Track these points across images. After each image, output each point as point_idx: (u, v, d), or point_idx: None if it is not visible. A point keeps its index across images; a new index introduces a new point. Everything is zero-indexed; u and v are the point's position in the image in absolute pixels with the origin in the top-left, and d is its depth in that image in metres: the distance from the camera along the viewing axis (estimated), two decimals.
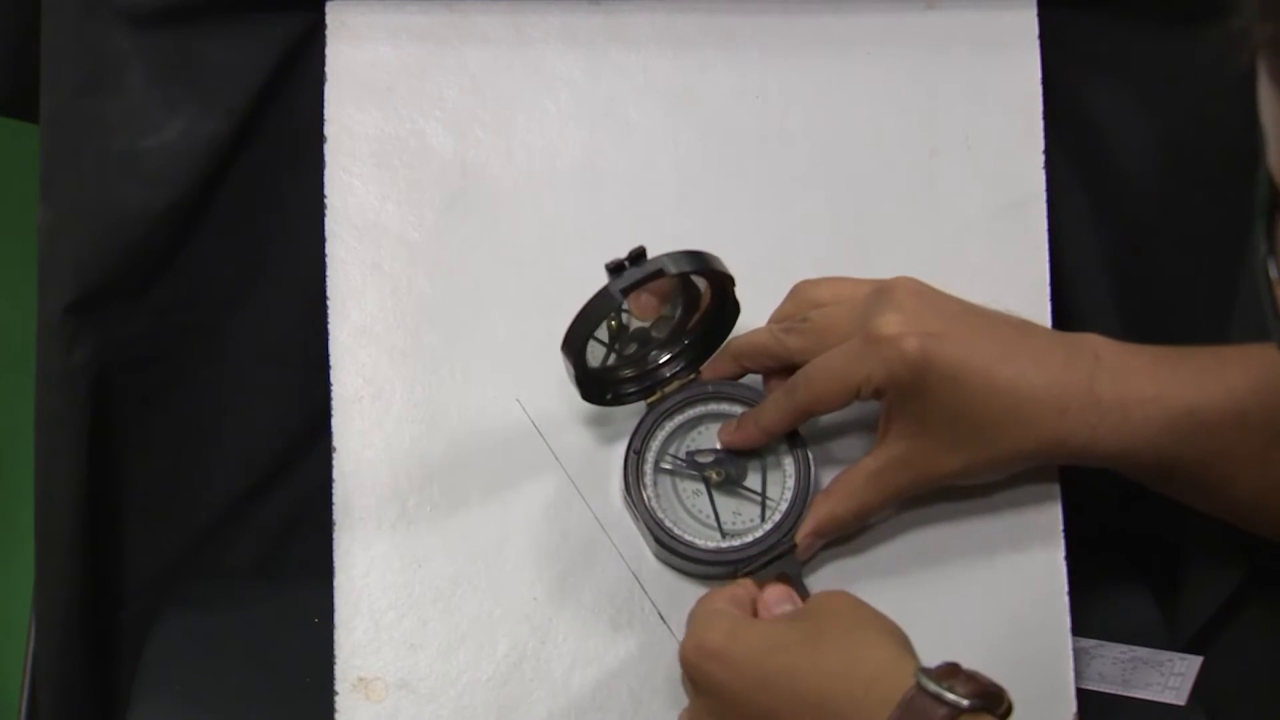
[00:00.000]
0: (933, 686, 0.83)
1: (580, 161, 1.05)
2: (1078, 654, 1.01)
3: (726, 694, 0.89)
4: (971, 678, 0.84)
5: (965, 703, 0.83)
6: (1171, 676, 1.05)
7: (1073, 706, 1.00)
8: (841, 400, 0.96)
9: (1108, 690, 1.05)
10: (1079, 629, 1.01)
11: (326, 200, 1.03)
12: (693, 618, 0.93)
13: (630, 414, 1.01)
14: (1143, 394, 0.94)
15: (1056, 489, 1.02)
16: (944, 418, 0.95)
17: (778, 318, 0.99)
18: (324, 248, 1.03)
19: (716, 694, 0.90)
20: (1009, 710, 0.85)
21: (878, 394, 0.95)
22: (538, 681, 0.98)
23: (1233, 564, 1.12)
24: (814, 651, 0.88)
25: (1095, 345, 0.96)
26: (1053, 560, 1.01)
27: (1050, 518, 1.02)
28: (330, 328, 1.02)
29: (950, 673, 0.84)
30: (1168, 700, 1.05)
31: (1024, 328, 0.97)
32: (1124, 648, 1.07)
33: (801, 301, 0.99)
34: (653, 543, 0.99)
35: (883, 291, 0.95)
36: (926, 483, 0.97)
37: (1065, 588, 1.01)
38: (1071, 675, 1.00)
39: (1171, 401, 0.94)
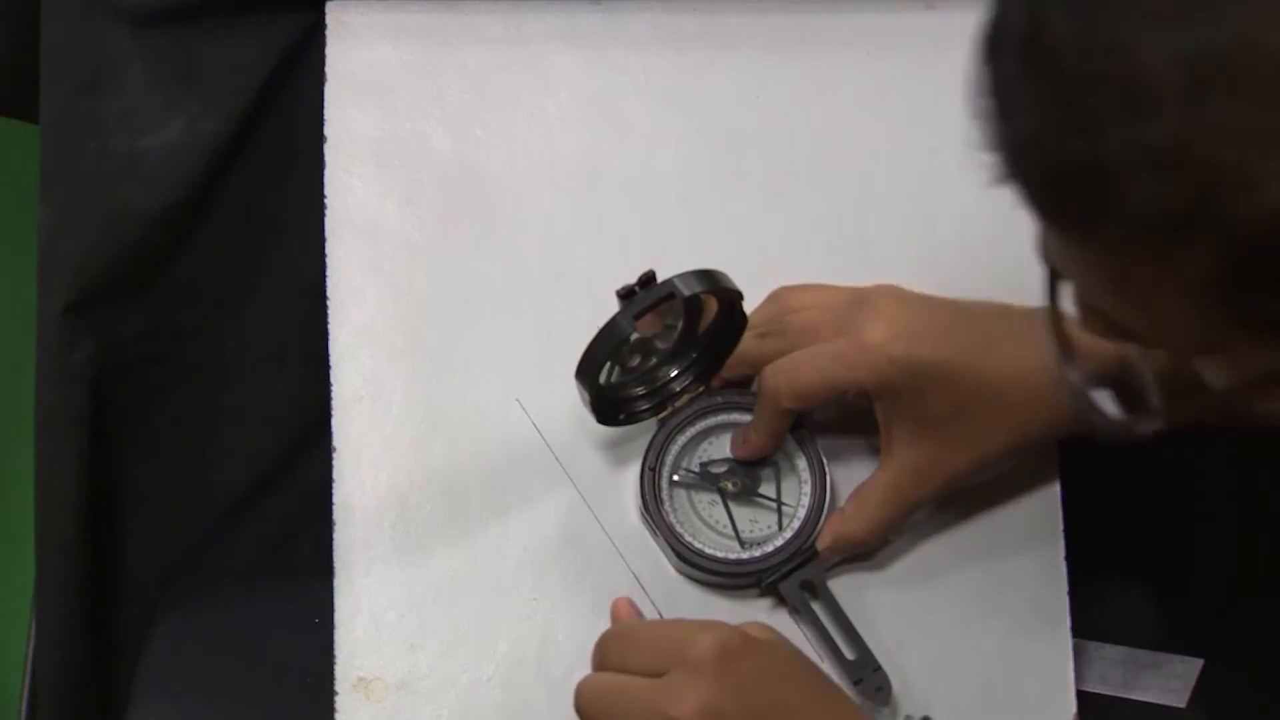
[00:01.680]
0: None
1: (580, 161, 1.05)
2: (1078, 655, 1.01)
3: (743, 693, 0.87)
4: None
5: None
6: (1171, 679, 1.05)
7: (1072, 708, 1.00)
8: (825, 397, 0.96)
9: (1108, 692, 1.05)
10: (1079, 630, 1.01)
11: (326, 200, 1.03)
12: (670, 626, 0.93)
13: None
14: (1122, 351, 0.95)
15: (1057, 490, 1.02)
16: (942, 417, 0.95)
17: (755, 322, 0.99)
18: (324, 248, 1.03)
19: (730, 690, 0.87)
20: None
21: (865, 397, 0.95)
22: (538, 681, 0.98)
23: (1242, 569, 1.11)
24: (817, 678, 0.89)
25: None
26: (1053, 561, 1.01)
27: (1051, 520, 1.01)
28: (330, 328, 1.02)
29: None
30: (1167, 703, 1.05)
31: (1005, 313, 0.97)
32: (1124, 649, 1.07)
33: (779, 307, 0.99)
34: (674, 558, 0.99)
35: (863, 301, 0.96)
36: (942, 489, 0.97)
37: (1065, 589, 1.01)
38: (1071, 676, 1.00)
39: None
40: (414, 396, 1.01)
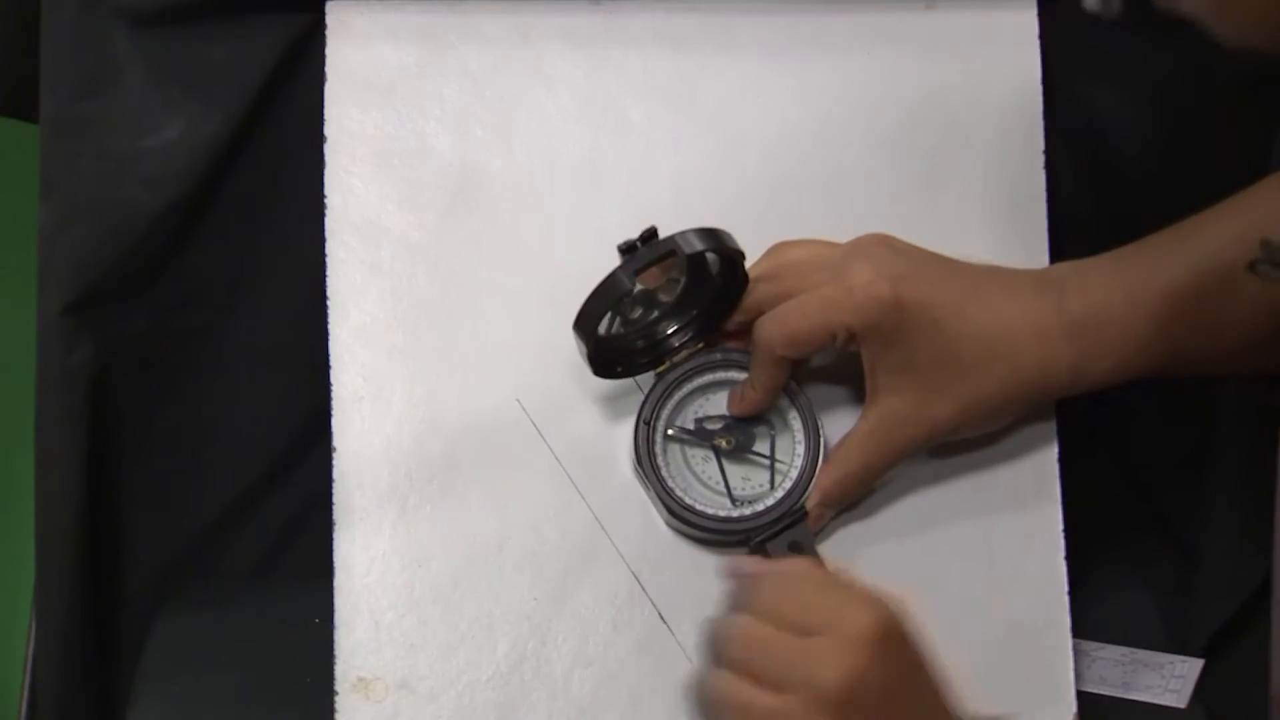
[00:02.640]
0: None
1: (580, 161, 1.05)
2: (1078, 655, 1.01)
3: (901, 678, 0.85)
4: None
5: None
6: (1172, 679, 1.05)
7: (1073, 708, 1.00)
8: (817, 342, 0.97)
9: (1108, 692, 1.05)
10: (1079, 630, 1.01)
11: (326, 200, 1.03)
12: (845, 593, 0.87)
13: (632, 397, 1.01)
14: (1112, 299, 0.96)
15: (1057, 490, 1.02)
16: (927, 361, 0.96)
17: (752, 275, 1.00)
18: (324, 248, 1.03)
19: (896, 674, 0.85)
20: None
21: (854, 340, 0.96)
22: (538, 681, 0.98)
23: (1243, 569, 1.11)
24: None
25: (1059, 271, 0.99)
26: (1053, 561, 1.01)
27: (1051, 519, 1.02)
28: (330, 328, 1.02)
29: None
30: (1167, 703, 1.05)
31: (991, 269, 0.99)
32: (1124, 650, 1.07)
33: (775, 259, 1.00)
34: (664, 512, 0.99)
35: (852, 247, 0.98)
36: (925, 438, 0.98)
37: (1065, 589, 1.01)
38: (1071, 676, 1.00)
39: (1142, 293, 0.96)
40: (414, 396, 1.01)
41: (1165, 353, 0.98)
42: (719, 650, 0.85)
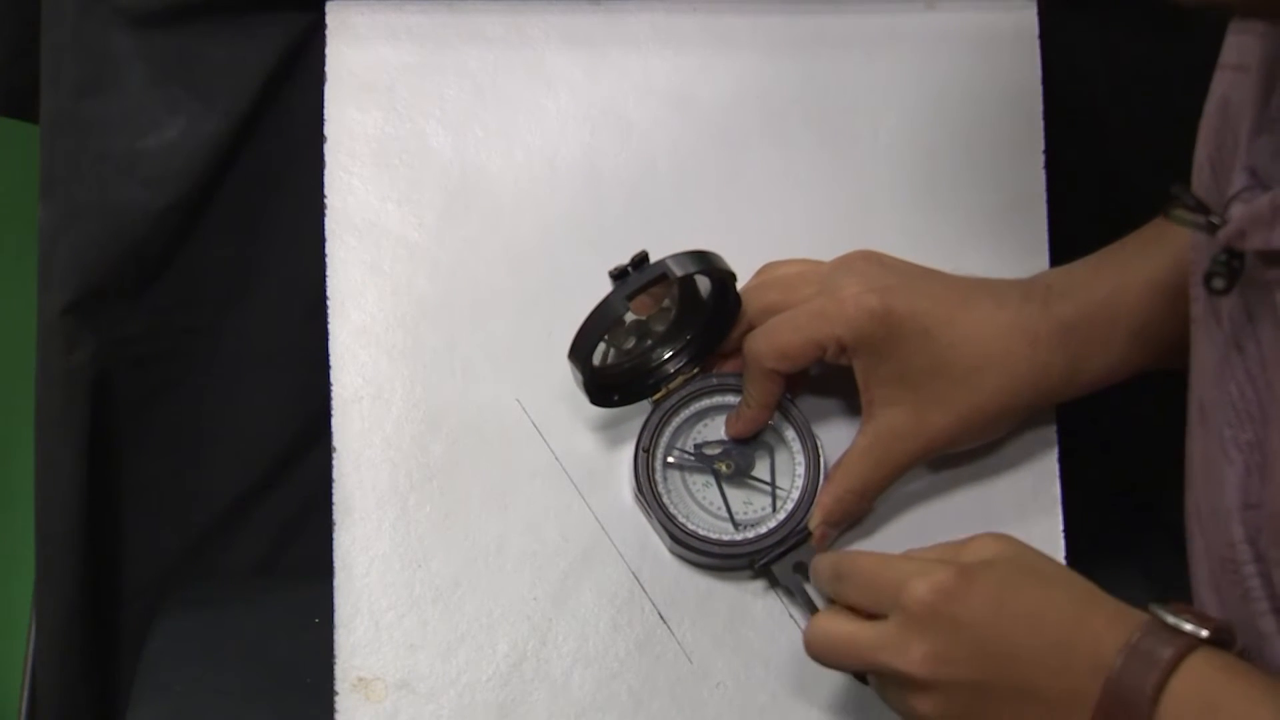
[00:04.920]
0: (1171, 618, 0.83)
1: (580, 161, 1.05)
2: None
3: (967, 634, 0.86)
4: (1205, 616, 0.83)
5: (1204, 633, 0.82)
6: None
7: None
8: (807, 355, 0.97)
9: None
10: None
11: (326, 200, 1.03)
12: (890, 567, 0.89)
13: (630, 412, 1.01)
14: (1098, 298, 0.97)
15: (1056, 490, 1.02)
16: (921, 372, 0.96)
17: (741, 294, 1.00)
18: (324, 248, 1.03)
19: (955, 634, 0.86)
20: (1242, 650, 0.84)
21: (844, 353, 0.96)
22: (538, 681, 0.98)
23: None
24: (1052, 591, 0.87)
25: (1045, 278, 0.99)
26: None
27: (1051, 521, 1.02)
28: (330, 328, 1.02)
29: (1186, 608, 0.84)
30: None
31: (978, 280, 0.99)
32: None
33: (763, 277, 1.00)
34: (668, 539, 0.99)
35: (840, 263, 0.98)
36: (923, 450, 0.98)
37: None
38: None
39: (1126, 289, 0.97)
40: (414, 396, 1.01)
41: (1156, 346, 0.98)
42: (812, 654, 0.91)
